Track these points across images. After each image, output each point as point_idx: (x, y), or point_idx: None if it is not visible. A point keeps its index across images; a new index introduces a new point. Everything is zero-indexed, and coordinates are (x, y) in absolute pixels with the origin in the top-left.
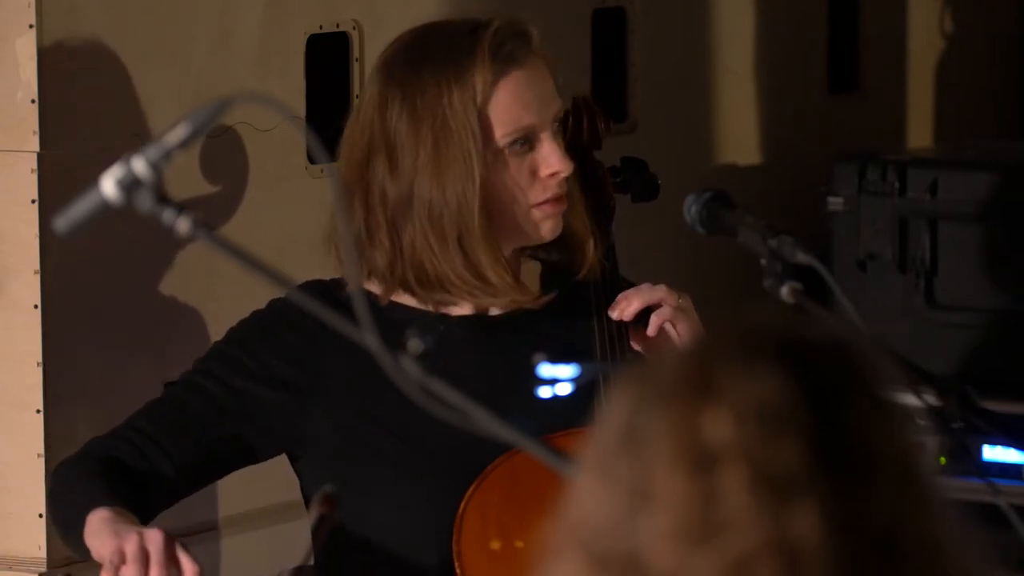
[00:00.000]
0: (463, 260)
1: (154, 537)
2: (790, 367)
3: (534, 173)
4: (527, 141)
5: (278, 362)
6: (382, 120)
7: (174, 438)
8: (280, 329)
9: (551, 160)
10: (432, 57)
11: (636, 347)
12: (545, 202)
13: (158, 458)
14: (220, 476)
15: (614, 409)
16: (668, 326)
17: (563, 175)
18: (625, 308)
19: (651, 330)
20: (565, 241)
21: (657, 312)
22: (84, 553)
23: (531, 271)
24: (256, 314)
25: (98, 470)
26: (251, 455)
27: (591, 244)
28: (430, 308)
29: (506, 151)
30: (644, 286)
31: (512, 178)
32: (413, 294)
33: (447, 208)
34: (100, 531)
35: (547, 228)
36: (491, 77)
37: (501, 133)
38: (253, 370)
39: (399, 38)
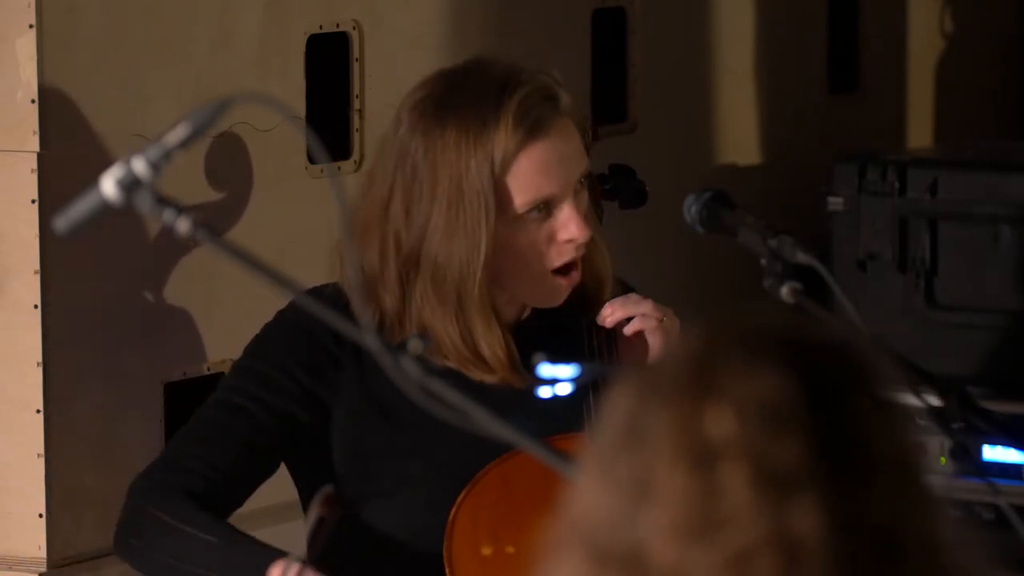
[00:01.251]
0: (458, 326)
1: None
2: (792, 366)
3: (551, 238)
4: (546, 207)
5: (304, 375)
6: (403, 168)
7: (231, 462)
8: (299, 341)
9: (570, 227)
10: (458, 112)
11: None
12: (562, 269)
13: (225, 485)
14: (255, 488)
15: (616, 406)
16: (649, 338)
17: (580, 241)
18: (609, 315)
19: (629, 329)
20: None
21: (639, 318)
22: None
23: None
24: (271, 328)
25: (186, 507)
26: (279, 464)
27: (608, 289)
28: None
29: (525, 217)
30: (632, 296)
31: (529, 242)
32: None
33: (450, 271)
34: None
35: (557, 298)
36: (513, 147)
37: (520, 202)
38: (284, 386)
39: (432, 79)
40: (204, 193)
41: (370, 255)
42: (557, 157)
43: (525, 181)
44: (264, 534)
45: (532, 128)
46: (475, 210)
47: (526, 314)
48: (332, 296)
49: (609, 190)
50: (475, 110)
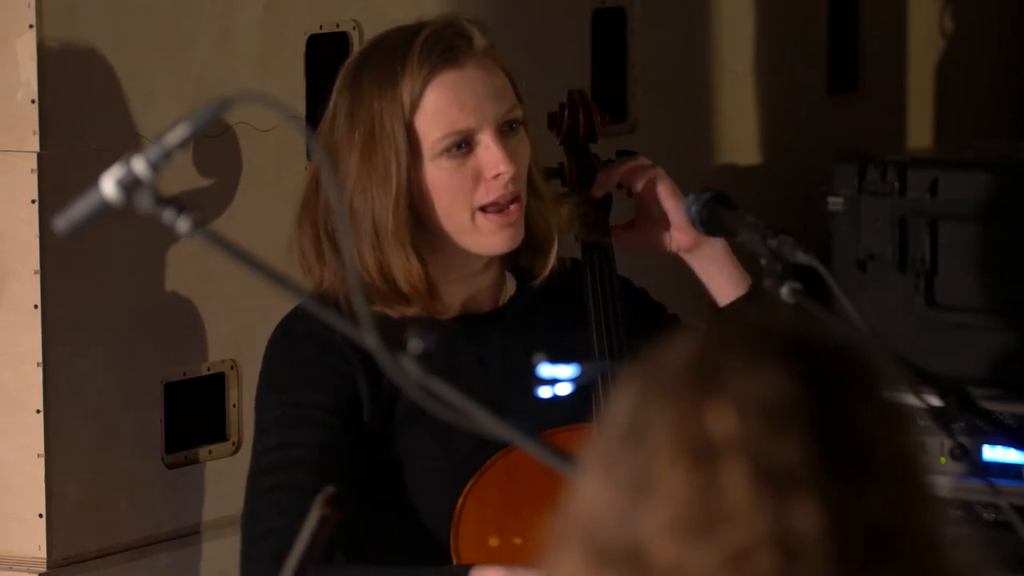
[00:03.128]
0: (377, 265)
1: None
2: (795, 364)
3: (478, 176)
4: (467, 143)
5: (327, 399)
6: (330, 131)
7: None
8: (306, 368)
9: (492, 160)
10: (373, 65)
11: (625, 239)
12: (491, 207)
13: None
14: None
15: (618, 402)
16: (662, 190)
17: (507, 176)
18: (604, 182)
19: (637, 187)
20: (529, 243)
21: (637, 172)
22: None
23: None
24: (275, 364)
25: (342, 565)
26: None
27: (554, 248)
28: (422, 313)
29: (443, 155)
30: (616, 161)
31: (452, 183)
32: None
33: (367, 215)
34: None
35: (495, 241)
36: (420, 84)
37: (436, 137)
38: (319, 418)
39: (361, 47)
40: (203, 193)
41: (306, 229)
42: (470, 89)
43: (436, 115)
44: None
45: (439, 61)
46: (386, 150)
47: (505, 297)
48: (323, 301)
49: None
50: (387, 57)
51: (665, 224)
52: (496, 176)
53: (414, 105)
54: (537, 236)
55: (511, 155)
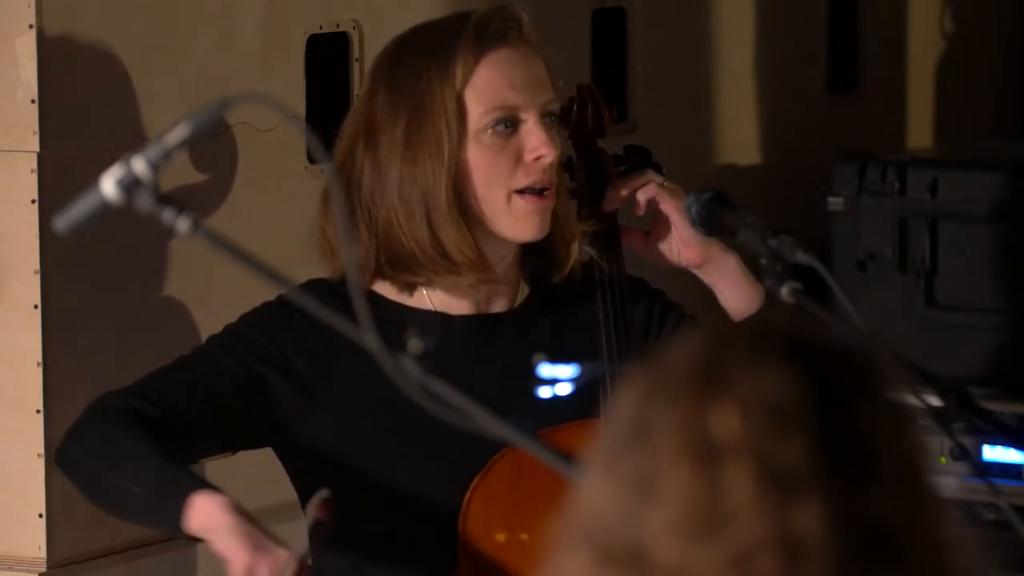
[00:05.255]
0: (429, 236)
1: (289, 565)
2: (799, 365)
3: (518, 158)
4: (512, 123)
5: (293, 352)
6: (369, 108)
7: (191, 406)
8: (296, 320)
9: (534, 142)
10: (421, 46)
11: (636, 245)
12: (528, 190)
13: (180, 426)
14: (208, 453)
15: (623, 403)
16: (667, 207)
17: (548, 159)
18: (614, 197)
19: (640, 209)
20: (547, 248)
21: (642, 189)
22: (127, 516)
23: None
24: (270, 304)
25: (135, 426)
26: (238, 437)
27: (571, 255)
28: (430, 307)
29: (488, 132)
30: (625, 177)
31: (493, 160)
32: (387, 278)
33: (416, 185)
34: (231, 532)
35: (529, 225)
36: (472, 58)
37: (482, 110)
38: (271, 355)
39: (399, 34)
40: (203, 192)
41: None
42: (521, 70)
43: (487, 90)
44: None
45: (493, 38)
46: (436, 121)
47: (519, 300)
48: (336, 288)
49: (625, 171)
50: (437, 38)
51: (674, 239)
52: (537, 159)
53: (465, 78)
54: (555, 240)
55: (553, 141)
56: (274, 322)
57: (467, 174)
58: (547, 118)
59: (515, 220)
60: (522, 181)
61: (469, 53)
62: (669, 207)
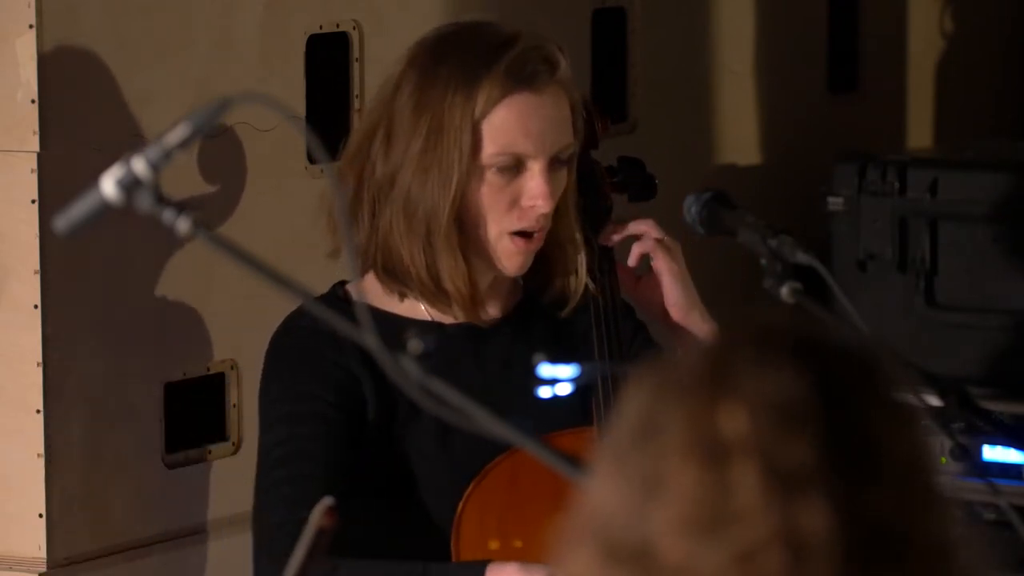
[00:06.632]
0: (424, 260)
1: None
2: (806, 366)
3: (515, 201)
4: (516, 167)
5: (331, 393)
6: (393, 100)
7: (332, 485)
8: (308, 365)
9: (534, 191)
10: (456, 56)
11: (626, 287)
12: (518, 233)
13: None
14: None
15: (631, 402)
16: (659, 264)
17: (543, 210)
18: (611, 235)
19: (631, 260)
20: (547, 274)
21: (638, 243)
22: None
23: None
24: (280, 356)
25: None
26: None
27: (574, 280)
28: (425, 317)
29: (493, 169)
30: (633, 218)
31: (492, 198)
32: (378, 278)
33: (422, 204)
34: None
35: (512, 264)
36: (497, 94)
37: (493, 150)
38: (320, 409)
39: (441, 27)
40: (203, 193)
41: (349, 182)
42: (539, 116)
43: (501, 130)
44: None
45: (520, 80)
46: (450, 148)
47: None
48: (330, 300)
49: (618, 182)
50: (473, 56)
51: (661, 295)
52: (532, 207)
53: (484, 112)
54: (555, 261)
55: (553, 190)
56: (296, 379)
57: (469, 203)
58: (557, 160)
59: (499, 257)
60: (515, 224)
61: (496, 88)
62: (661, 266)
